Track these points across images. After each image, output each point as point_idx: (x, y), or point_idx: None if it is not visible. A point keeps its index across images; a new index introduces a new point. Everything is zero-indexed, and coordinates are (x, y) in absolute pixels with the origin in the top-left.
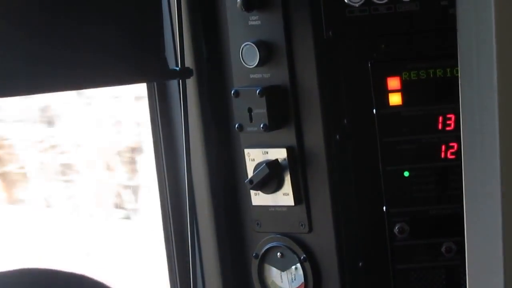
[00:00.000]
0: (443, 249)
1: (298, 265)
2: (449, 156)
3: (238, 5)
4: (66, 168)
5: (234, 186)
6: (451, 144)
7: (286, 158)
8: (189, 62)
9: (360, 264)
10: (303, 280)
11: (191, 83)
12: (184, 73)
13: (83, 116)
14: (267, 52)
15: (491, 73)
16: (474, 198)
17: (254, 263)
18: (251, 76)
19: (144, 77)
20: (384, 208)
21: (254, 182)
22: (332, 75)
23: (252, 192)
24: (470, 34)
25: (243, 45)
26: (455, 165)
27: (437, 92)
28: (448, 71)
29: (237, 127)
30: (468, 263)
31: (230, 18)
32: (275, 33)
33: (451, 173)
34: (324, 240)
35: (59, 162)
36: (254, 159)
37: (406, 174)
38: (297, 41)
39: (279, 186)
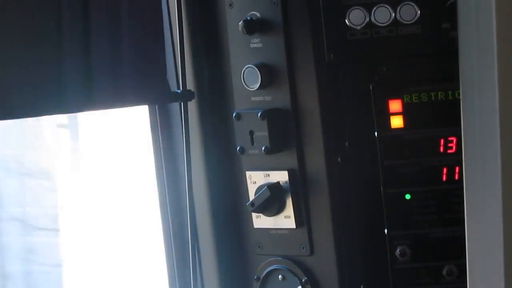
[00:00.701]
0: (444, 272)
1: (300, 287)
2: (451, 179)
3: (239, 28)
4: None
5: (236, 209)
6: (453, 167)
7: (288, 181)
8: (190, 85)
9: (361, 287)
10: None
11: (192, 105)
12: (185, 95)
13: None
14: (268, 74)
15: (493, 96)
16: (475, 221)
17: (256, 286)
18: (253, 98)
19: (146, 100)
20: (386, 231)
21: (256, 205)
22: (334, 98)
23: (254, 214)
24: (472, 57)
25: (244, 67)
26: (457, 188)
27: (439, 115)
28: (450, 94)
29: (239, 149)
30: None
31: (231, 41)
32: (277, 56)
33: (452, 196)
34: (325, 262)
35: None
36: (255, 182)
37: (408, 197)
38: (298, 63)
39: (280, 208)
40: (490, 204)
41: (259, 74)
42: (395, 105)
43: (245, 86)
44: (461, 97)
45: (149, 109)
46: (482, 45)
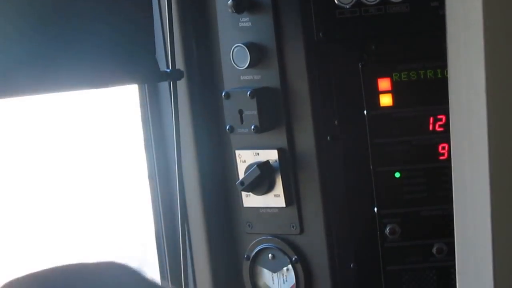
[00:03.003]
0: (434, 250)
1: (290, 266)
2: (440, 157)
3: (228, 6)
4: None
5: (225, 188)
6: (442, 145)
7: (277, 160)
8: (180, 64)
9: (351, 265)
10: (294, 282)
11: (182, 84)
12: (175, 75)
13: None
14: (257, 53)
15: (480, 74)
16: (463, 199)
17: (246, 265)
18: (242, 77)
19: (135, 79)
20: (375, 209)
21: (245, 184)
22: (323, 77)
23: (243, 193)
24: (459, 35)
25: (233, 46)
26: (446, 166)
27: (428, 93)
28: (439, 72)
29: (228, 128)
30: (458, 263)
31: (220, 20)
32: (266, 35)
33: (442, 174)
34: (315, 241)
35: None
36: (245, 161)
37: (397, 175)
38: (287, 42)
39: (270, 187)
40: (477, 182)
41: (248, 53)
42: (384, 84)
43: (234, 65)
44: (448, 74)
45: (138, 88)
46: (469, 22)
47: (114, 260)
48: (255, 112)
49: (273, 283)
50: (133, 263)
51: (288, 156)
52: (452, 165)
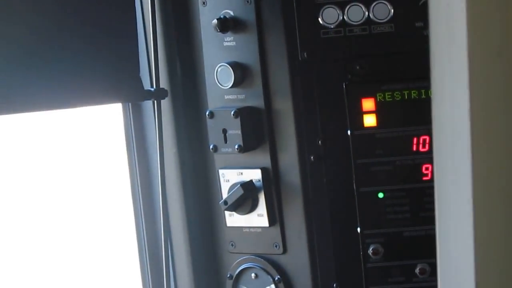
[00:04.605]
0: (417, 270)
1: (273, 286)
2: (424, 177)
3: (213, 26)
4: None
5: (209, 207)
6: (426, 165)
7: (261, 179)
8: (164, 83)
9: (334, 285)
10: None
11: (166, 103)
12: (159, 93)
13: None
14: (242, 73)
15: (463, 95)
16: (446, 219)
17: (229, 284)
18: (226, 97)
19: (119, 98)
20: (358, 229)
21: (229, 203)
22: (307, 96)
23: (227, 213)
24: (443, 55)
25: (217, 66)
26: (429, 187)
27: (412, 113)
28: (423, 92)
29: (212, 148)
30: (440, 284)
31: (205, 39)
32: (250, 54)
33: (425, 195)
34: (298, 261)
35: None
36: (228, 180)
37: (381, 195)
38: (271, 62)
39: (253, 207)
40: (460, 203)
41: (232, 73)
42: (368, 104)
43: (218, 85)
44: (431, 95)
45: (122, 107)
46: (453, 42)
47: None
48: (239, 132)
49: None
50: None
51: (271, 175)
52: (435, 186)
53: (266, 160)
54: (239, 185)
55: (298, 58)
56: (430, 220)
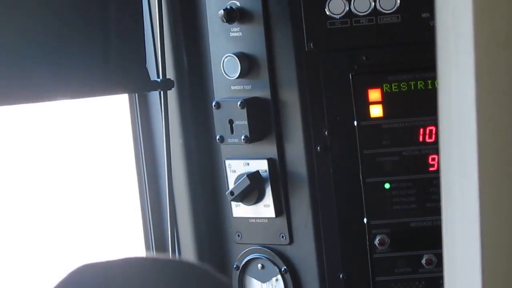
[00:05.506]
0: (423, 261)
1: (279, 276)
2: (430, 168)
3: (219, 16)
4: None
5: (215, 198)
6: (432, 156)
7: (267, 170)
8: (170, 74)
9: (341, 275)
10: None
11: (172, 94)
12: (165, 84)
13: None
14: (248, 63)
15: (470, 85)
16: (452, 210)
17: (235, 275)
18: (232, 87)
19: (126, 88)
20: (365, 220)
21: (235, 194)
22: (313, 87)
23: (233, 203)
24: (449, 46)
25: (224, 56)
26: (436, 177)
27: (418, 104)
28: (429, 83)
29: (218, 138)
30: (446, 275)
31: (211, 30)
32: (256, 45)
33: (432, 185)
34: (304, 251)
35: None
36: (235, 171)
37: (387, 186)
38: (278, 53)
39: (260, 197)
40: (466, 194)
41: (239, 63)
42: (374, 94)
43: (225, 75)
44: (438, 85)
45: (129, 98)
46: (459, 32)
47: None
48: (245, 122)
49: None
50: None
51: (278, 166)
52: (440, 176)
53: (273, 151)
54: (245, 175)
55: (304, 49)
56: (436, 210)
